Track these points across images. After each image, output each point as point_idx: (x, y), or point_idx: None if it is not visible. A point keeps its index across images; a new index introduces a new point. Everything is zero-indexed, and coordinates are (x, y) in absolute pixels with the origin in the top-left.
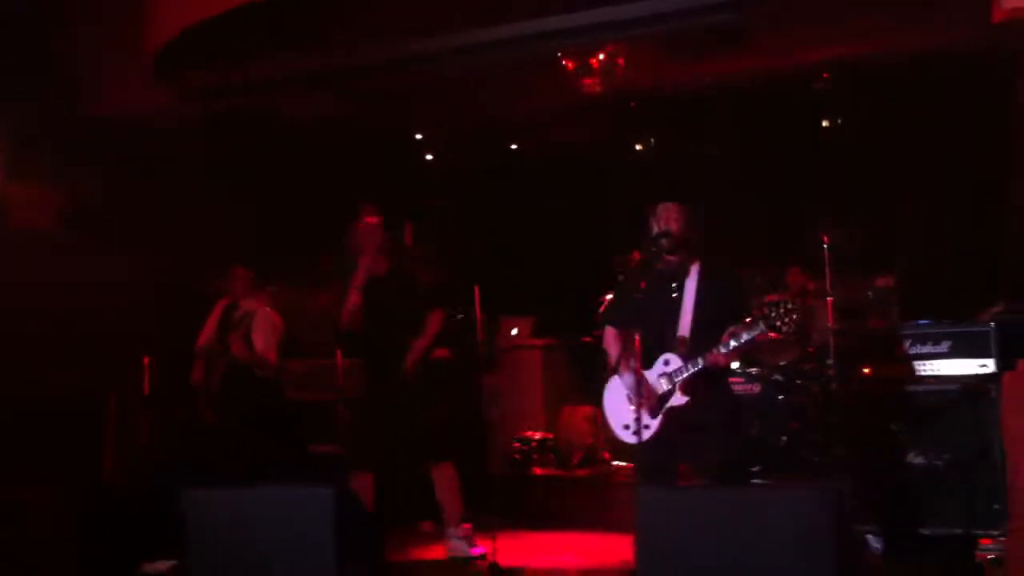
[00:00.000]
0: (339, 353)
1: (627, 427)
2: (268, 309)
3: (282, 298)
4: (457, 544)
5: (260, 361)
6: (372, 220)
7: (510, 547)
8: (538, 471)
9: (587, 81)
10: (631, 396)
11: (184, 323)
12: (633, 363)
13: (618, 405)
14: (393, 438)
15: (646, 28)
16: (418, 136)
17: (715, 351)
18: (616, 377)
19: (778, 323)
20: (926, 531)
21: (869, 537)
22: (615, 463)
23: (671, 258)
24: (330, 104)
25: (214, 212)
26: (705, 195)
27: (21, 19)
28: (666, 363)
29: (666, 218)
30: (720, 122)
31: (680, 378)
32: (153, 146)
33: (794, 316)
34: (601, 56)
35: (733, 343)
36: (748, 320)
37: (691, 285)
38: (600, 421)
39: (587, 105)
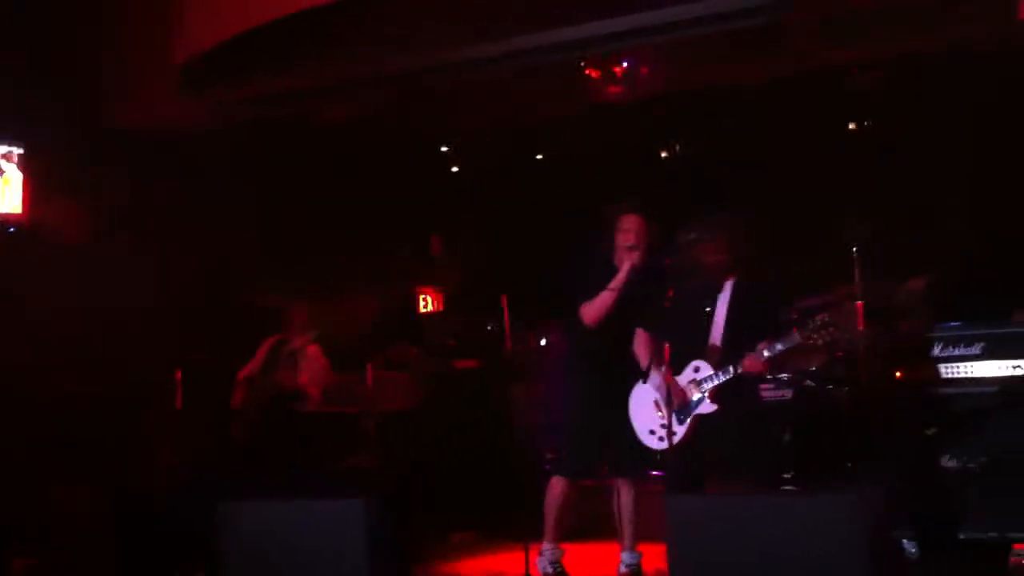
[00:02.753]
0: (369, 367)
1: (652, 432)
2: (317, 348)
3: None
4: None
5: (302, 393)
6: (641, 219)
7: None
8: None
9: (612, 89)
10: (659, 402)
11: (216, 338)
12: (664, 369)
13: (644, 410)
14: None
15: (677, 33)
16: (444, 148)
17: (751, 357)
18: (642, 383)
19: (814, 335)
20: (960, 535)
21: (903, 542)
22: (651, 472)
23: (706, 278)
24: (356, 111)
25: (243, 222)
26: (731, 198)
27: (48, 31)
28: (696, 370)
29: (702, 251)
30: (747, 124)
31: (710, 385)
32: (181, 157)
33: (830, 329)
34: (624, 64)
35: (767, 353)
36: (784, 332)
37: (724, 299)
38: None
39: (617, 110)
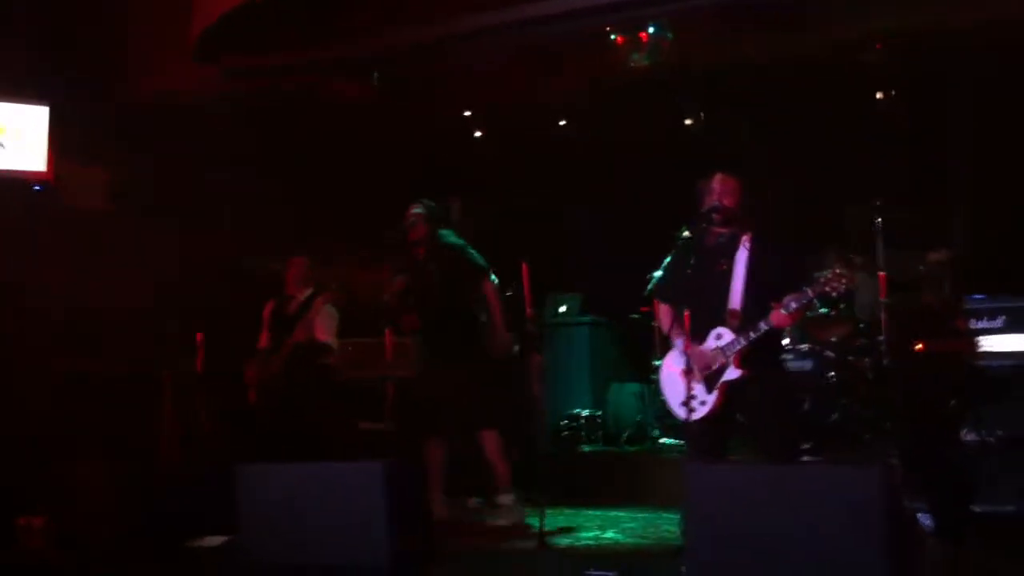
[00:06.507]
0: (388, 332)
1: (683, 404)
2: (323, 299)
3: (333, 279)
4: (505, 499)
5: (322, 347)
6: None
7: (558, 523)
8: (586, 448)
9: (636, 57)
10: (684, 373)
11: (235, 301)
12: (684, 340)
13: (675, 381)
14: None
15: (695, 2)
16: (467, 113)
17: (778, 311)
18: (672, 353)
19: (825, 288)
20: (977, 509)
21: (919, 515)
22: (663, 440)
23: (721, 231)
24: (373, 82)
25: (261, 192)
26: (749, 172)
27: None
28: (718, 337)
29: (720, 190)
30: (766, 97)
31: (733, 351)
32: (201, 127)
33: (842, 279)
34: (651, 30)
35: (794, 304)
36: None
37: (742, 257)
38: (647, 398)
39: (637, 81)
